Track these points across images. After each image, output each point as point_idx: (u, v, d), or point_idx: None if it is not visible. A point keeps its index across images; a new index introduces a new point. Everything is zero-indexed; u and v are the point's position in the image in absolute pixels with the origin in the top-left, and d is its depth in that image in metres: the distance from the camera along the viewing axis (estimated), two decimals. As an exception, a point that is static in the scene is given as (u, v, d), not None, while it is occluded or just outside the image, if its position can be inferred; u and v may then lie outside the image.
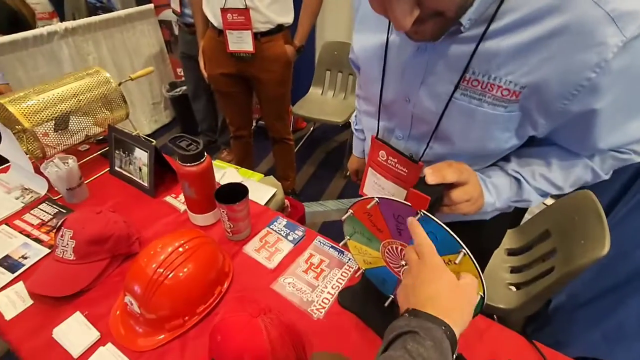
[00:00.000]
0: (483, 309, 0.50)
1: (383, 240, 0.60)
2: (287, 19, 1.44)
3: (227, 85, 1.59)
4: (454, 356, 0.38)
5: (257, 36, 1.39)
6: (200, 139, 0.84)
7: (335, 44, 2.25)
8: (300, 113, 2.22)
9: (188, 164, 0.78)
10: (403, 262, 0.59)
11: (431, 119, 0.54)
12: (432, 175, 0.49)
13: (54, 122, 1.00)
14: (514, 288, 1.15)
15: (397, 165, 0.63)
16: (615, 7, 0.37)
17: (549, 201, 1.48)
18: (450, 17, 0.42)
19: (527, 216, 1.41)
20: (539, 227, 1.18)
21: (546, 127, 0.49)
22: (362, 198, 0.58)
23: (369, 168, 0.70)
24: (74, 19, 3.05)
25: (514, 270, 1.20)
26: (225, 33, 1.38)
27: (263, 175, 1.37)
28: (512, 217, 0.78)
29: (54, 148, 1.01)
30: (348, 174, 2.31)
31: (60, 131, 1.04)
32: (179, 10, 1.87)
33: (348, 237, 0.67)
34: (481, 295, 0.51)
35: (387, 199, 0.53)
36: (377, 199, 0.55)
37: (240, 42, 1.39)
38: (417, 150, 0.61)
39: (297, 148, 2.54)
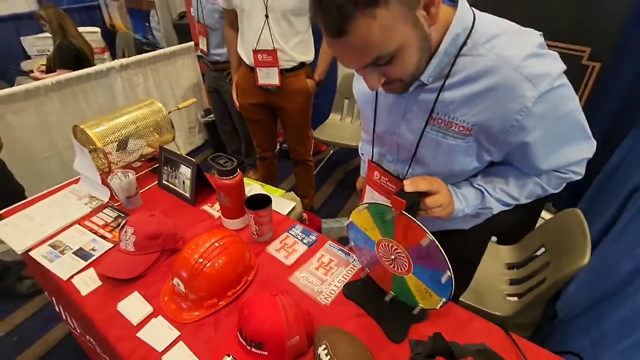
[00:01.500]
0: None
1: (376, 239, 0.75)
2: (308, 57, 1.67)
3: (256, 113, 1.82)
4: None
5: (283, 72, 1.62)
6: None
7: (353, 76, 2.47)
8: (321, 137, 2.42)
9: (225, 178, 0.97)
10: (393, 257, 0.74)
11: (410, 148, 0.70)
12: (408, 185, 0.64)
13: (117, 143, 1.24)
14: (512, 298, 1.25)
15: (387, 183, 0.79)
16: (530, 71, 0.53)
17: (547, 215, 1.57)
18: (408, 81, 0.59)
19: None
20: (535, 243, 1.28)
21: (497, 153, 0.65)
22: (357, 206, 0.75)
23: (367, 186, 0.86)
24: (124, 55, 3.48)
25: (513, 282, 1.30)
26: (256, 70, 1.62)
27: (285, 191, 1.55)
28: (492, 227, 0.91)
29: (116, 164, 1.24)
30: (364, 193, 2.46)
31: (120, 151, 1.27)
32: (206, 50, 2.15)
33: (352, 242, 0.83)
34: (449, 275, 0.65)
35: (375, 203, 0.69)
36: (366, 205, 0.71)
37: (268, 77, 1.62)
38: (402, 171, 0.77)
39: (317, 169, 2.73)
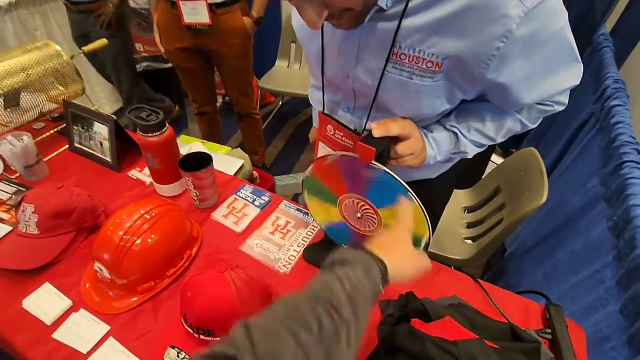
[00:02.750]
0: (441, 261, 0.56)
1: (340, 195, 0.65)
2: None
3: (186, 60, 1.55)
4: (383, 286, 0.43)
5: (212, 7, 1.36)
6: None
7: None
8: (267, 87, 2.20)
9: (150, 134, 0.79)
10: (358, 215, 0.65)
11: (369, 92, 0.57)
12: (377, 129, 0.53)
13: (2, 98, 0.97)
14: (469, 241, 1.26)
15: (343, 138, 0.67)
16: None
17: (499, 160, 1.59)
18: (359, 10, 0.45)
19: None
20: (491, 185, 1.28)
21: (472, 91, 0.54)
22: (317, 158, 0.62)
23: (319, 142, 0.73)
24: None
25: (469, 225, 1.31)
26: (179, 4, 1.34)
27: (231, 148, 1.38)
28: (458, 175, 0.85)
29: (6, 126, 0.98)
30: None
31: (11, 108, 1.00)
32: None
33: (307, 194, 0.72)
34: (428, 233, 0.58)
35: (340, 155, 0.58)
36: (330, 158, 0.59)
37: (196, 14, 1.35)
38: (361, 121, 0.65)
39: (266, 123, 2.54)
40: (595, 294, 0.79)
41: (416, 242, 0.58)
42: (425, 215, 0.54)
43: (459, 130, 0.61)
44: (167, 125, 0.81)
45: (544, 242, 1.16)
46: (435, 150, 0.61)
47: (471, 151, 0.64)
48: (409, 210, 0.53)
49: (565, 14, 0.48)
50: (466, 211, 1.36)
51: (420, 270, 0.49)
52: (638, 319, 0.64)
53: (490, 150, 1.94)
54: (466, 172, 1.45)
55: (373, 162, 0.53)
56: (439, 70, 0.50)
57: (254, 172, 1.36)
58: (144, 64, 2.45)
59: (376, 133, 0.53)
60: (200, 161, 0.82)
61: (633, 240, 0.71)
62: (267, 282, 0.68)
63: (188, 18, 1.37)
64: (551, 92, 0.56)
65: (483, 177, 1.37)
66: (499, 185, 1.24)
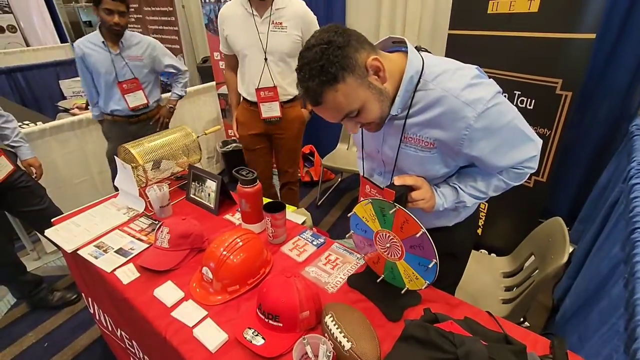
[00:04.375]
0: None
1: (375, 229, 0.90)
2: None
3: (256, 143, 2.00)
4: None
5: (281, 104, 1.85)
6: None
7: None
8: (329, 164, 2.61)
9: (246, 186, 1.14)
10: (388, 245, 0.88)
11: (392, 161, 0.88)
12: (397, 179, 0.81)
13: (152, 163, 1.44)
14: (507, 305, 1.34)
15: (376, 194, 0.96)
16: (467, 98, 0.71)
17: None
18: (379, 122, 0.79)
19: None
20: (526, 251, 1.39)
21: (460, 159, 0.82)
22: (360, 202, 0.90)
23: (361, 199, 1.02)
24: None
25: (507, 289, 1.39)
26: (259, 105, 1.83)
27: (296, 208, 1.71)
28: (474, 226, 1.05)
29: (151, 181, 1.44)
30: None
31: (155, 169, 1.47)
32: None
33: (352, 231, 0.98)
34: (435, 262, 0.79)
35: (376, 199, 0.85)
36: (370, 200, 0.87)
37: (270, 111, 1.85)
38: (388, 180, 0.94)
39: (326, 195, 2.89)
40: (611, 343, 0.87)
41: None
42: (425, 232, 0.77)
43: (459, 186, 0.86)
44: (258, 181, 1.17)
45: (580, 308, 1.21)
46: (442, 199, 0.86)
47: (469, 201, 0.87)
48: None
49: (511, 112, 0.76)
50: (505, 276, 1.46)
51: None
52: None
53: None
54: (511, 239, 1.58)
55: (395, 203, 0.79)
56: (433, 147, 0.79)
57: (314, 229, 1.65)
58: (233, 144, 3.08)
59: (396, 182, 0.81)
60: (277, 208, 1.14)
61: (633, 292, 0.82)
62: (318, 293, 0.91)
63: (265, 114, 1.87)
64: (516, 161, 0.80)
65: (519, 246, 1.48)
66: (533, 252, 1.35)
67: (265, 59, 1.75)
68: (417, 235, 0.78)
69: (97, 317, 1.35)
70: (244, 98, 1.92)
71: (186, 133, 1.53)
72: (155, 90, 2.22)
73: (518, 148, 0.79)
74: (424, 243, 0.79)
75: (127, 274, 1.06)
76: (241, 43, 1.75)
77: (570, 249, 1.19)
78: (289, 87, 1.85)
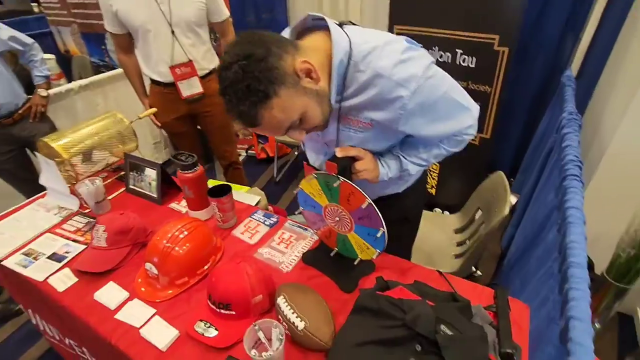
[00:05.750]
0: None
1: (323, 204, 0.88)
2: (216, 64, 1.76)
3: (181, 126, 1.85)
4: None
5: (200, 79, 1.70)
6: None
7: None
8: (282, 139, 2.54)
9: (187, 172, 1.07)
10: (337, 218, 0.87)
11: (333, 144, 0.84)
12: (339, 151, 0.78)
13: (81, 155, 1.31)
14: (459, 259, 1.41)
15: None
16: (400, 77, 0.67)
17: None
18: (323, 124, 0.74)
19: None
20: (473, 206, 1.46)
21: (400, 135, 0.81)
22: (305, 178, 0.87)
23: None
24: (80, 78, 3.45)
25: (459, 244, 1.46)
26: (177, 84, 1.67)
27: (249, 187, 1.65)
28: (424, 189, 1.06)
29: (82, 175, 1.31)
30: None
31: (86, 162, 1.34)
32: None
33: (302, 208, 0.95)
34: (382, 231, 0.79)
35: (320, 173, 0.82)
36: (314, 175, 0.84)
37: (191, 88, 1.70)
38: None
39: (283, 171, 2.85)
40: (547, 285, 0.94)
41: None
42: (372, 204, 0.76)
43: (402, 155, 0.85)
44: (199, 165, 1.10)
45: (522, 255, 1.30)
46: (386, 169, 0.84)
47: (412, 170, 0.86)
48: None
49: (445, 84, 0.74)
50: (456, 232, 1.53)
51: None
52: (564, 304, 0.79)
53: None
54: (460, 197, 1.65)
55: (338, 176, 0.77)
56: (371, 127, 0.77)
57: (270, 207, 1.61)
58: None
59: (338, 154, 0.78)
60: (223, 191, 1.08)
61: (566, 232, 0.88)
62: (271, 274, 0.89)
63: (186, 92, 1.71)
64: (455, 130, 0.80)
65: (466, 203, 1.55)
66: (479, 206, 1.42)
67: (173, 32, 1.57)
68: (364, 206, 0.77)
69: (42, 328, 1.25)
70: (153, 81, 1.72)
71: (117, 119, 1.40)
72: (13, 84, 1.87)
73: (454, 119, 0.78)
74: (370, 214, 0.78)
75: (63, 280, 0.97)
76: (141, 18, 1.52)
77: (514, 200, 1.26)
78: (203, 61, 1.71)
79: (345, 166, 0.79)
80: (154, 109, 1.51)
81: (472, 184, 1.56)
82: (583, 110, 1.67)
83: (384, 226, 0.77)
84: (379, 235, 0.78)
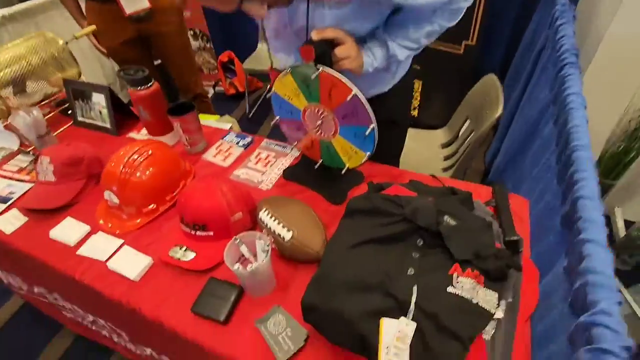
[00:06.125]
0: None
1: (301, 107, 0.76)
2: None
3: (129, 52, 1.56)
4: None
5: None
6: None
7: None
8: (251, 67, 2.32)
9: (139, 88, 0.91)
10: (319, 122, 0.76)
11: (304, 31, 0.69)
12: (315, 34, 0.64)
13: (11, 87, 1.10)
14: (447, 172, 1.36)
15: None
16: None
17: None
18: None
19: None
20: (462, 116, 1.38)
21: (384, 8, 0.67)
22: (279, 75, 0.73)
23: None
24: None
25: (446, 157, 1.41)
26: None
27: (220, 115, 1.50)
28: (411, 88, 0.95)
29: (17, 109, 1.11)
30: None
31: (20, 94, 1.13)
32: None
33: (278, 116, 0.83)
34: (372, 126, 0.68)
35: (295, 66, 0.69)
36: (288, 69, 0.70)
37: (134, 3, 1.39)
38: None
39: (256, 107, 2.65)
40: (546, 178, 0.89)
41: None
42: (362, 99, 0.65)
43: (388, 39, 0.72)
44: (153, 80, 0.93)
45: (514, 157, 1.25)
46: (371, 57, 0.72)
47: (401, 54, 0.74)
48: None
49: None
50: (443, 147, 1.46)
51: None
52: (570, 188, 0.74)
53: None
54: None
55: (317, 64, 0.64)
56: (349, 2, 0.63)
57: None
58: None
59: (314, 36, 0.64)
60: (185, 109, 0.94)
61: (566, 119, 0.81)
62: (249, 192, 0.80)
63: (130, 8, 1.38)
64: None
65: (454, 113, 1.46)
66: (468, 115, 1.33)
67: None
68: (348, 99, 0.65)
69: (6, 281, 1.15)
70: None
71: (47, 39, 1.17)
72: None
73: None
74: (357, 108, 0.67)
75: (11, 222, 0.84)
76: None
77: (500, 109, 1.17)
78: None
79: (324, 51, 0.65)
80: (92, 27, 1.27)
81: (457, 99, 1.46)
82: (576, 2, 1.54)
83: (374, 120, 0.67)
84: (367, 132, 0.68)
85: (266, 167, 0.94)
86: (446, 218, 0.56)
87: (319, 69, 0.66)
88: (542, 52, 1.37)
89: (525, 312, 0.57)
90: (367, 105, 0.66)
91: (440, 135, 1.52)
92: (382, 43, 0.73)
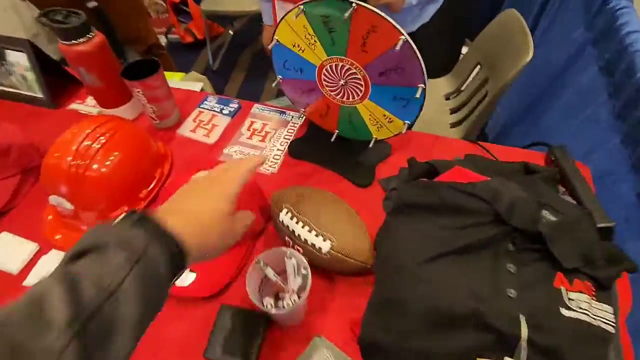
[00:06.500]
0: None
1: (317, 62, 0.56)
2: None
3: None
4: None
5: None
6: None
7: None
8: (211, 9, 1.95)
9: (74, 41, 0.64)
10: (342, 82, 0.56)
11: None
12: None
13: None
14: (455, 128, 1.22)
15: None
16: None
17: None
18: None
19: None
20: (470, 63, 1.21)
21: None
22: (284, 15, 0.51)
23: (275, 2, 0.61)
24: None
25: (453, 111, 1.26)
26: None
27: (184, 74, 1.22)
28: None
29: None
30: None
31: None
32: None
33: (280, 77, 0.62)
34: (422, 87, 0.50)
35: (308, 1, 0.47)
36: (301, 6, 0.48)
37: None
38: None
39: (220, 56, 2.31)
40: (592, 135, 0.77)
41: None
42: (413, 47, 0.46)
43: None
44: (93, 29, 0.66)
45: (534, 103, 1.12)
46: None
47: None
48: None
49: None
50: (448, 98, 1.31)
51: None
52: (640, 143, 0.62)
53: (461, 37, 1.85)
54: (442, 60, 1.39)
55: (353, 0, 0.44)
56: None
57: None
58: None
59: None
60: (147, 69, 0.69)
61: (632, 65, 0.66)
62: (253, 180, 0.61)
63: None
64: None
65: (460, 59, 1.29)
66: (479, 61, 1.17)
67: None
68: (397, 48, 0.46)
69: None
70: None
71: None
72: None
73: None
74: (404, 60, 0.48)
75: None
76: None
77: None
78: None
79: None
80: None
81: (453, 46, 1.27)
82: None
83: (426, 76, 0.49)
84: (418, 94, 0.50)
85: (264, 141, 0.74)
86: (545, 213, 0.42)
87: (352, 5, 0.45)
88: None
89: (622, 317, 0.47)
90: (419, 56, 0.48)
91: (441, 84, 1.35)
92: None
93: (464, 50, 1.87)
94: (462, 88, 1.26)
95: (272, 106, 0.81)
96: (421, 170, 0.55)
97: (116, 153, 0.59)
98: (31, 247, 0.59)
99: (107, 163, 0.58)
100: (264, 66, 2.22)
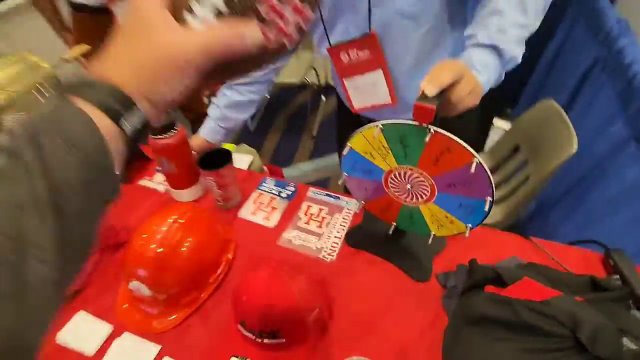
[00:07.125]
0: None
1: (386, 168, 0.60)
2: None
3: None
4: None
5: None
6: None
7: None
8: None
9: (162, 136, 0.72)
10: (409, 186, 0.60)
11: None
12: (429, 85, 0.48)
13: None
14: (497, 205, 1.23)
15: (358, 53, 0.69)
16: None
17: (500, 122, 1.55)
18: None
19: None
20: (508, 144, 1.25)
21: None
22: (361, 129, 0.57)
23: (344, 80, 0.72)
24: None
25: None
26: (111, 8, 1.13)
27: (234, 145, 1.31)
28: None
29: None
30: (315, 133, 2.29)
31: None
32: None
33: (346, 174, 0.67)
34: (490, 200, 0.54)
35: (391, 123, 0.53)
36: (380, 125, 0.54)
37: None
38: (364, 29, 0.66)
39: (257, 117, 2.46)
40: (635, 232, 0.78)
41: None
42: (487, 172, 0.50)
43: (495, 39, 0.55)
44: (177, 124, 0.75)
45: (572, 192, 1.14)
46: (485, 75, 0.56)
47: (517, 49, 0.57)
48: None
49: None
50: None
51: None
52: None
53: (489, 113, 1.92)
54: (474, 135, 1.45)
55: (430, 127, 0.49)
56: None
57: (264, 167, 1.30)
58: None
59: (430, 91, 0.48)
60: (219, 158, 0.76)
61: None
62: (317, 273, 0.64)
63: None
64: None
65: (498, 139, 1.34)
66: (518, 144, 1.21)
67: None
68: (472, 169, 0.50)
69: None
70: (75, 5, 1.21)
71: (30, 65, 0.95)
72: None
73: None
74: (474, 178, 0.52)
75: None
76: None
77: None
78: None
79: (440, 104, 0.50)
80: (84, 46, 1.06)
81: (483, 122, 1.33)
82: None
83: (494, 189, 0.52)
84: (486, 207, 0.54)
85: (321, 227, 0.77)
86: (626, 341, 0.43)
87: (430, 131, 0.50)
88: (591, 75, 1.26)
89: None
90: (490, 175, 0.52)
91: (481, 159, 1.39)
92: (489, 47, 0.57)
93: (496, 122, 1.93)
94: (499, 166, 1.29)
95: (326, 191, 0.85)
96: (485, 275, 0.57)
97: (190, 239, 0.64)
98: (107, 328, 0.62)
99: (183, 249, 0.62)
100: (298, 127, 2.35)
